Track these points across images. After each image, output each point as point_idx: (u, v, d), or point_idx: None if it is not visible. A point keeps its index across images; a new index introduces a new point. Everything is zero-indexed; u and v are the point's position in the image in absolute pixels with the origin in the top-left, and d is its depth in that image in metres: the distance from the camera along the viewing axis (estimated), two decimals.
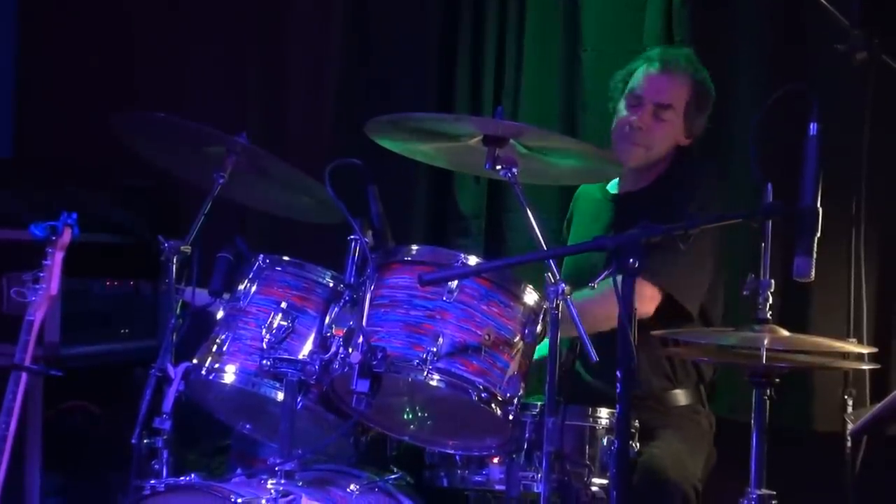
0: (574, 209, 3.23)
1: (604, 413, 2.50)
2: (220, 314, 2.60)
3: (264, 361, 2.47)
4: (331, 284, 2.56)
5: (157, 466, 2.51)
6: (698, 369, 2.93)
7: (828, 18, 2.90)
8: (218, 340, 2.56)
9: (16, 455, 2.89)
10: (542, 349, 2.51)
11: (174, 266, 2.62)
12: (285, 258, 2.60)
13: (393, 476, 2.61)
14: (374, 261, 2.48)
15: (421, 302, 2.37)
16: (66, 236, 2.86)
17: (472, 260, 2.40)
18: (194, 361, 2.55)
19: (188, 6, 4.30)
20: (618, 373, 2.11)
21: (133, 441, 2.51)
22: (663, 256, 2.67)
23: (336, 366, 2.40)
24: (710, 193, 2.93)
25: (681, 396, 2.91)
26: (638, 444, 2.54)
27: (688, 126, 2.99)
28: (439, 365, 2.32)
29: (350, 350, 2.36)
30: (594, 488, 2.46)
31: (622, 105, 3.01)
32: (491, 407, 2.34)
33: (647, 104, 2.95)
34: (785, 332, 2.30)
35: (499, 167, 2.47)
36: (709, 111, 3.03)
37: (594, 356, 2.29)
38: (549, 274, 2.32)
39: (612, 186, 3.10)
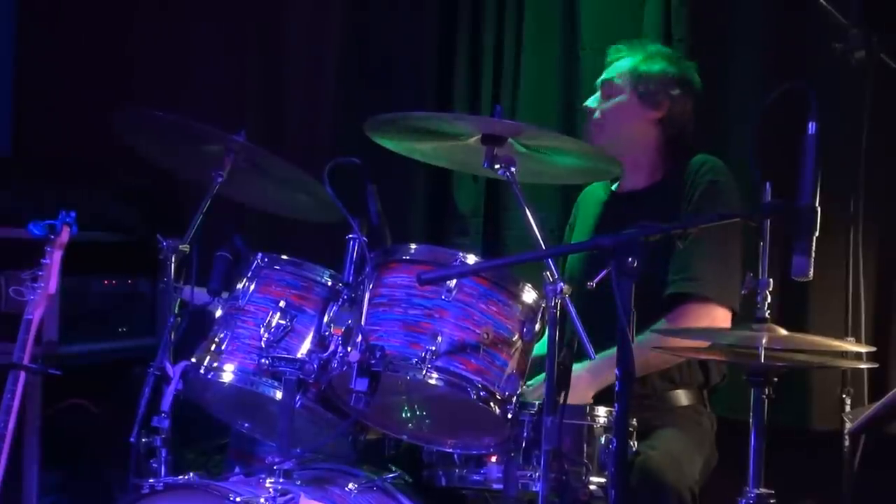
0: (577, 212, 3.22)
1: (602, 412, 2.50)
2: (218, 313, 2.60)
3: (263, 360, 2.47)
4: (329, 283, 2.56)
5: (155, 465, 2.51)
6: (706, 373, 2.92)
7: (826, 17, 2.90)
8: (216, 339, 2.56)
9: (14, 453, 2.89)
10: (540, 347, 2.51)
11: (173, 265, 2.62)
12: (284, 257, 2.60)
13: (391, 475, 2.61)
14: (373, 260, 2.48)
15: (419, 301, 2.37)
16: (65, 235, 2.86)
17: (471, 259, 2.40)
18: (193, 360, 2.55)
19: (187, 5, 4.30)
20: (616, 371, 2.12)
21: (131, 440, 2.51)
22: (719, 273, 2.66)
23: (335, 365, 2.40)
24: (734, 194, 2.91)
25: (682, 397, 2.90)
26: (636, 444, 2.54)
27: (647, 100, 2.96)
28: (438, 364, 2.32)
29: (349, 349, 2.36)
30: (592, 487, 2.45)
31: None
32: (489, 406, 2.34)
33: (596, 90, 3.02)
34: (783, 331, 2.30)
35: (497, 166, 2.47)
36: (666, 83, 2.98)
37: (593, 354, 2.30)
38: (548, 273, 2.32)
39: (617, 185, 3.11)
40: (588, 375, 2.67)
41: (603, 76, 3.05)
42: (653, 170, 3.01)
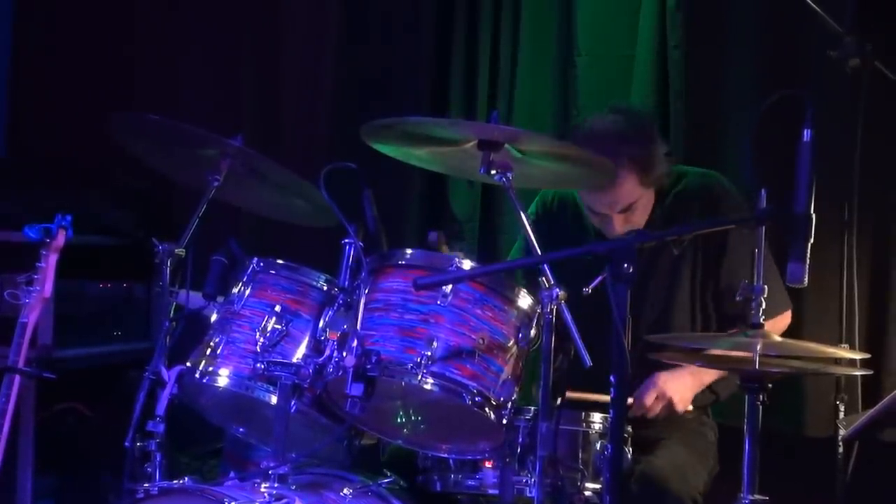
0: (548, 225, 3.03)
1: (597, 418, 2.50)
2: (213, 317, 2.60)
3: (258, 365, 2.47)
4: (325, 288, 2.56)
5: (149, 469, 2.50)
6: (714, 390, 2.90)
7: (821, 24, 2.91)
8: (212, 343, 2.56)
9: (8, 457, 2.89)
10: None
11: (168, 268, 2.61)
12: (279, 261, 2.60)
13: (386, 480, 2.61)
14: (369, 264, 2.48)
15: (415, 306, 2.37)
16: (61, 239, 2.85)
17: (467, 264, 2.40)
18: (188, 364, 2.55)
19: (185, 8, 4.30)
20: (611, 378, 2.12)
21: (126, 444, 2.50)
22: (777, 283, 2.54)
23: (330, 369, 2.40)
24: (738, 200, 2.90)
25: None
26: (631, 449, 2.54)
27: (652, 181, 2.83)
28: (433, 369, 2.32)
29: (344, 354, 2.35)
30: (587, 493, 2.46)
31: (588, 210, 2.87)
32: (485, 411, 2.34)
33: (611, 215, 2.81)
34: (777, 338, 2.31)
35: (493, 172, 2.47)
36: (656, 142, 2.86)
37: (588, 361, 2.30)
38: (544, 278, 2.33)
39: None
40: (690, 376, 2.74)
41: (621, 203, 2.78)
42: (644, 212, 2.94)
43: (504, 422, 2.36)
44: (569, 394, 2.37)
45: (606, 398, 2.37)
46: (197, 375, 2.53)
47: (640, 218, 2.87)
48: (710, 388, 2.89)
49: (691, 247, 2.88)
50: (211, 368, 2.53)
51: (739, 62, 3.42)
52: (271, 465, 2.40)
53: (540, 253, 2.42)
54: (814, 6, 2.89)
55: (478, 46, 3.77)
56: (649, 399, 2.72)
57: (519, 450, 2.42)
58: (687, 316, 2.89)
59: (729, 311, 2.88)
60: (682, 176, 2.98)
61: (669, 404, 2.74)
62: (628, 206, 2.82)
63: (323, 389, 2.44)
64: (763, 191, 2.22)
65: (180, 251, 2.63)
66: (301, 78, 4.10)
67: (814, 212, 2.17)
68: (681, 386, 2.76)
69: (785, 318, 2.88)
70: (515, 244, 3.19)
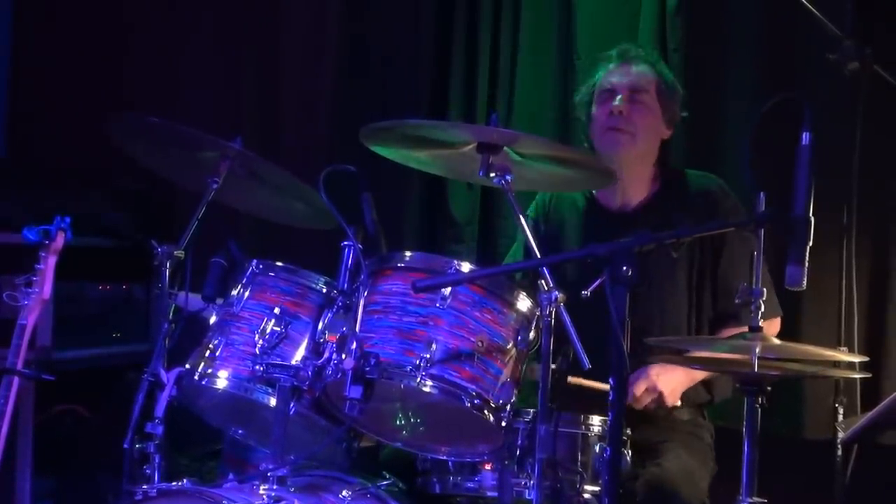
0: (548, 218, 3.09)
1: (596, 420, 2.50)
2: (213, 319, 2.60)
3: (257, 367, 2.47)
4: (324, 290, 2.56)
5: (148, 471, 2.50)
6: (710, 391, 2.91)
7: (820, 28, 2.91)
8: (211, 346, 2.56)
9: (7, 459, 2.89)
10: None
11: (167, 270, 2.62)
12: (279, 264, 2.60)
13: (385, 482, 2.61)
14: (368, 267, 2.48)
15: (414, 308, 2.37)
16: (60, 241, 2.85)
17: (466, 267, 2.40)
18: (187, 366, 2.55)
19: (184, 9, 4.31)
20: (610, 380, 2.12)
21: (125, 446, 2.50)
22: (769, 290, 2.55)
23: (329, 372, 2.40)
24: (737, 203, 2.94)
25: (684, 412, 2.89)
26: (629, 452, 2.54)
27: (665, 112, 2.94)
28: (432, 371, 2.32)
29: (343, 356, 2.36)
30: (586, 495, 2.46)
31: (595, 105, 2.98)
32: (483, 413, 2.34)
33: (621, 90, 2.92)
34: (776, 341, 2.31)
35: (493, 174, 2.47)
36: (679, 101, 2.99)
37: (586, 363, 2.30)
38: (543, 281, 2.33)
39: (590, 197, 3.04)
40: (683, 372, 2.74)
41: (632, 79, 2.94)
42: (645, 188, 2.98)
43: (503, 424, 2.36)
44: (570, 379, 2.38)
45: (605, 386, 2.38)
46: (196, 377, 2.53)
47: (640, 127, 2.89)
48: (706, 388, 2.90)
49: (687, 248, 2.89)
50: (210, 370, 2.53)
51: (739, 65, 3.42)
52: (270, 467, 2.40)
53: (539, 255, 2.42)
54: (813, 10, 2.89)
55: (478, 47, 3.77)
56: (639, 390, 2.73)
57: (518, 452, 2.42)
58: (683, 318, 2.90)
59: (721, 310, 2.88)
60: (681, 175, 2.99)
61: (659, 398, 2.74)
62: (637, 88, 2.90)
63: (322, 391, 2.44)
64: (762, 194, 2.23)
65: (179, 253, 2.63)
66: (301, 80, 4.10)
67: (813, 215, 2.17)
68: (672, 380, 2.77)
69: (775, 325, 2.88)
70: (512, 247, 3.19)
